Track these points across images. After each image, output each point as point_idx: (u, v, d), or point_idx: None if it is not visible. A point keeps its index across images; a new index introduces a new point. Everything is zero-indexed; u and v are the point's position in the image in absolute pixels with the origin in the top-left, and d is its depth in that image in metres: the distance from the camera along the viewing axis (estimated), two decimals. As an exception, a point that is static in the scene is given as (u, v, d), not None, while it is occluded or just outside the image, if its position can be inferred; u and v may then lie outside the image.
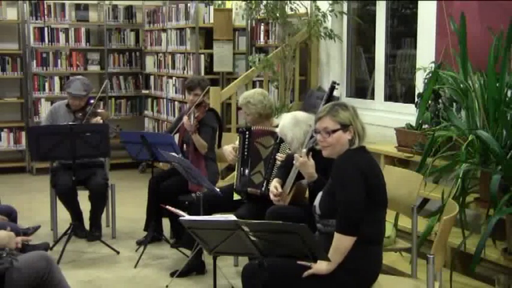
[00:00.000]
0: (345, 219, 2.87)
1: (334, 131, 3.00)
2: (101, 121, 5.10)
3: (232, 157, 4.48)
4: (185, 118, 4.88)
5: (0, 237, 3.17)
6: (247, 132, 4.35)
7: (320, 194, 3.13)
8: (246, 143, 4.33)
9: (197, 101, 4.98)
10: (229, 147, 4.55)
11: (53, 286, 3.14)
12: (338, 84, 3.86)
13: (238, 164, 4.38)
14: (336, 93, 5.97)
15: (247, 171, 4.29)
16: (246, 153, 4.32)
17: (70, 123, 4.98)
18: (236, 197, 4.41)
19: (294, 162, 3.54)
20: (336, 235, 2.88)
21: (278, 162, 4.10)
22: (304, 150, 3.48)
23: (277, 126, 4.35)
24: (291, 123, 3.83)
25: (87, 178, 5.13)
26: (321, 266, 2.87)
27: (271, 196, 3.79)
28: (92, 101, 5.22)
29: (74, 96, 5.19)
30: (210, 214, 4.22)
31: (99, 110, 5.37)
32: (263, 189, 4.16)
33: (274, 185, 3.82)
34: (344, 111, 3.03)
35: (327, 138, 3.02)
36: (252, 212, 4.03)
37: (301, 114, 3.90)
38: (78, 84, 5.20)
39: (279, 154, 4.13)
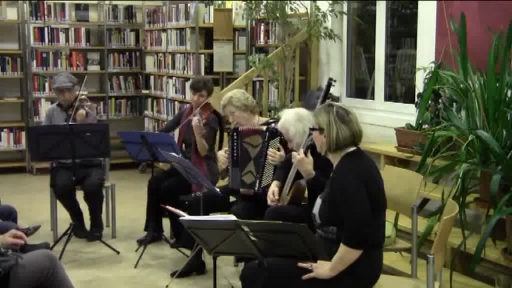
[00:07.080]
0: (354, 234, 2.83)
1: (312, 129, 3.10)
2: (87, 110, 5.07)
3: (223, 161, 4.48)
4: (195, 119, 4.81)
5: None
6: (235, 133, 4.35)
7: (318, 201, 3.10)
8: (235, 143, 4.34)
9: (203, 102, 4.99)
10: (222, 151, 4.58)
11: (57, 284, 3.15)
12: (335, 80, 3.86)
13: (229, 166, 4.39)
14: (336, 93, 6.01)
15: (238, 172, 4.30)
16: (235, 154, 4.33)
17: (67, 123, 4.97)
18: (232, 199, 4.46)
19: (292, 159, 3.55)
20: (343, 247, 2.84)
21: (269, 158, 4.10)
22: (302, 149, 3.49)
23: (263, 124, 4.40)
24: (294, 119, 3.82)
25: (83, 178, 5.13)
26: (322, 272, 2.86)
27: (269, 201, 3.80)
28: (79, 97, 5.21)
29: (60, 89, 5.22)
30: (207, 214, 4.23)
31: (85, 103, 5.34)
32: (256, 188, 4.18)
33: (273, 189, 3.82)
34: (325, 114, 3.00)
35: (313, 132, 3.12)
36: (246, 210, 4.04)
37: (303, 111, 3.91)
38: (63, 77, 5.27)
39: (270, 150, 4.12)
